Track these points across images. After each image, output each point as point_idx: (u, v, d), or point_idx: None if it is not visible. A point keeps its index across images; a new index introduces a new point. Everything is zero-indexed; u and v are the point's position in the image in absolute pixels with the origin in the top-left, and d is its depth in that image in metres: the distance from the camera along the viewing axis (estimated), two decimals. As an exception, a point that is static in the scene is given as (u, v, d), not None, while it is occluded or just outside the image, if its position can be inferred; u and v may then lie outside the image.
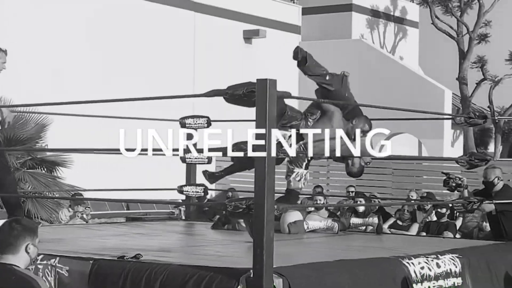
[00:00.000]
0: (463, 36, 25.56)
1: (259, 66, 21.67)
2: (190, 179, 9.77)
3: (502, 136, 25.85)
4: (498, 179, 9.13)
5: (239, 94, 5.71)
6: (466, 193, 9.13)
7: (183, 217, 12.01)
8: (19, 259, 4.36)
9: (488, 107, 25.54)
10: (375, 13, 25.85)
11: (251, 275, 5.30)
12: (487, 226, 13.09)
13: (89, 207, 12.58)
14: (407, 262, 6.72)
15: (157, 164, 15.26)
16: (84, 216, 12.09)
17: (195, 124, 9.09)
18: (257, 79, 5.55)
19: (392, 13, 26.52)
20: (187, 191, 7.67)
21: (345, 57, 22.96)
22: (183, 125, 9.17)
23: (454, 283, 7.14)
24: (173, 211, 14.84)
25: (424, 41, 29.03)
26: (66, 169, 14.09)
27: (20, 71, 16.24)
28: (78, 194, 12.29)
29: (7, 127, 11.98)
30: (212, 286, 5.39)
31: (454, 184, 8.69)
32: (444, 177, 8.75)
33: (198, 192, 9.00)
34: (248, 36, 22.32)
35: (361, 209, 12.22)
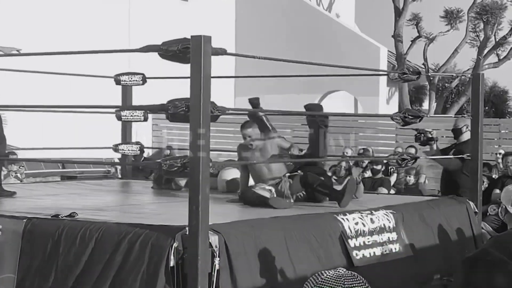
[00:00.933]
0: (398, -7, 25.59)
1: (195, 24, 21.46)
2: (126, 137, 9.66)
3: (436, 93, 26.10)
4: (467, 127, 9.38)
5: (173, 50, 5.63)
6: (435, 147, 9.33)
7: (119, 176, 11.91)
8: None
9: (423, 64, 25.72)
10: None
11: (187, 232, 5.27)
12: (411, 180, 13.35)
13: (23, 166, 12.36)
14: (342, 218, 6.82)
15: (92, 123, 15.11)
16: (18, 175, 11.90)
17: (130, 81, 8.97)
18: (191, 36, 5.50)
19: (327, -31, 26.45)
20: (123, 149, 7.54)
21: (281, 15, 22.87)
22: (117, 82, 9.09)
23: (388, 237, 7.22)
24: (109, 169, 14.68)
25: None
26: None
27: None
28: (12, 153, 12.08)
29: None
30: (148, 243, 5.37)
31: (425, 138, 8.88)
32: (415, 133, 8.91)
33: (134, 150, 8.92)
34: (184, -7, 22.08)
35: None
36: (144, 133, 17.79)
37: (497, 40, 25.25)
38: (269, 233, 5.94)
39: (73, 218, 5.94)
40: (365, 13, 30.73)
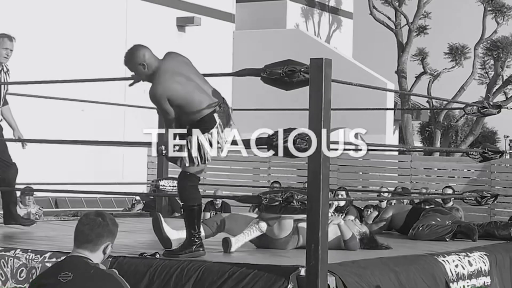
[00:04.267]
0: (401, 27, 25.04)
1: (192, 55, 20.81)
2: (163, 172, 9.03)
3: (441, 132, 25.46)
4: None
5: (277, 73, 5.39)
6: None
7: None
8: (95, 257, 4.11)
9: (427, 101, 25.10)
10: (310, 2, 25.22)
11: (301, 273, 4.99)
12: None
13: (41, 208, 11.53)
14: (443, 260, 6.52)
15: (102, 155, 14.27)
16: (37, 217, 11.00)
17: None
18: (310, 59, 5.18)
19: (327, 3, 25.93)
20: (164, 185, 7.85)
21: (281, 47, 22.24)
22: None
23: (484, 282, 6.95)
24: (129, 207, 13.72)
25: (360, 32, 28.55)
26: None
27: None
28: (30, 188, 11.16)
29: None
30: (256, 285, 5.05)
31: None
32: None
33: (175, 186, 8.12)
34: (182, 24, 21.52)
35: (342, 203, 11.33)
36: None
37: (506, 77, 24.64)
38: (380, 274, 5.69)
39: (156, 258, 5.55)
40: (365, 47, 30.24)
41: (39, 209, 11.67)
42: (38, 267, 5.65)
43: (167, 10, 21.34)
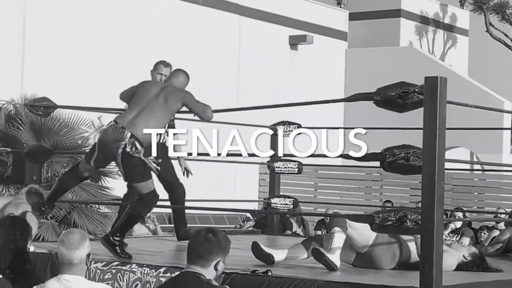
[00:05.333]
0: (519, 45, 24.47)
1: (304, 73, 20.88)
2: (275, 190, 8.93)
3: None
4: None
5: (391, 96, 5.33)
6: None
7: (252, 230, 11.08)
8: (207, 273, 4.19)
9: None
10: (424, 20, 24.90)
11: None
12: None
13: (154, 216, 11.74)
14: None
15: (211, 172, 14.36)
16: (151, 226, 11.16)
17: (286, 131, 8.35)
18: (425, 77, 5.16)
19: (441, 20, 25.55)
20: (275, 203, 7.63)
21: (394, 65, 22.00)
22: (274, 132, 8.54)
23: None
24: (241, 224, 13.78)
25: (476, 49, 27.97)
26: (112, 179, 13.06)
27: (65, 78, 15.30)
28: None
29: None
30: None
31: None
32: None
33: (287, 204, 8.05)
34: (294, 42, 21.55)
35: (458, 225, 11.05)
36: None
37: None
38: None
39: (269, 275, 5.50)
40: (481, 64, 29.62)
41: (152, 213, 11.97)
42: (153, 282, 5.72)
43: (280, 29, 21.43)
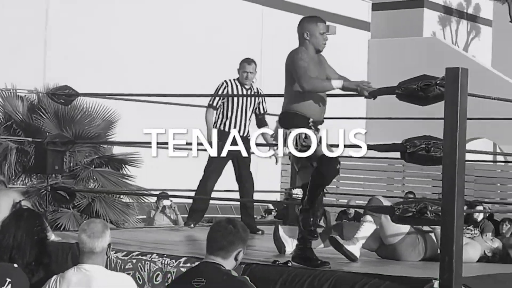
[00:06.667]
0: (543, 35, 24.28)
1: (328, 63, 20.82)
2: (295, 181, 8.96)
3: None
4: None
5: (412, 89, 5.34)
6: None
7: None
8: (227, 263, 4.21)
9: None
10: (447, 10, 24.78)
11: (434, 285, 4.86)
12: None
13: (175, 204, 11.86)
14: None
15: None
16: (172, 216, 11.21)
17: None
18: (446, 68, 5.07)
19: (465, 10, 25.42)
20: (297, 194, 7.96)
21: (417, 56, 21.90)
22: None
23: None
24: (264, 215, 13.81)
25: (500, 39, 27.80)
26: (134, 168, 13.09)
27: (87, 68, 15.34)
28: (164, 194, 11.44)
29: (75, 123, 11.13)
30: None
31: None
32: None
33: None
34: (317, 32, 21.42)
35: (480, 217, 11.01)
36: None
37: None
38: None
39: (289, 266, 5.50)
40: (504, 55, 29.44)
41: (172, 203, 12.23)
42: (173, 272, 5.74)
43: (302, 19, 21.37)
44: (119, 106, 11.85)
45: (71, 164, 11.90)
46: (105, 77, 16.76)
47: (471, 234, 9.27)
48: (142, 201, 12.65)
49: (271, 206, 13.97)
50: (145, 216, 12.70)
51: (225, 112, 8.30)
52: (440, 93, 5.18)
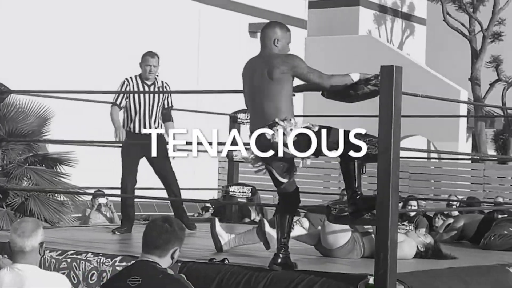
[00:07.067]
0: (476, 34, 24.64)
1: None
2: (233, 178, 9.00)
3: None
4: None
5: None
6: None
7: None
8: (163, 262, 4.18)
9: (502, 109, 24.60)
10: (382, 9, 24.99)
11: (369, 281, 4.96)
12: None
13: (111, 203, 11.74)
14: None
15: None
16: (107, 214, 11.12)
17: (246, 118, 8.37)
18: (381, 66, 5.16)
19: (400, 9, 25.67)
20: (233, 191, 7.70)
21: (353, 54, 22.08)
22: (234, 120, 8.57)
23: None
24: (200, 212, 13.76)
25: (434, 38, 28.15)
26: (69, 168, 12.93)
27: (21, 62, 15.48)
28: (100, 192, 11.33)
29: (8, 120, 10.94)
30: None
31: None
32: None
33: (245, 192, 8.11)
34: (254, 30, 21.48)
35: (412, 213, 11.13)
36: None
37: None
38: (450, 285, 5.57)
39: (225, 264, 5.54)
40: (438, 53, 29.81)
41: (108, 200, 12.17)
42: (109, 271, 5.70)
43: (239, 16, 21.36)
44: (54, 103, 11.70)
45: (4, 162, 11.72)
46: (39, 74, 16.52)
47: (406, 229, 9.40)
48: (77, 199, 12.51)
49: (208, 204, 13.93)
50: (80, 215, 12.55)
51: (129, 112, 8.17)
52: (369, 92, 5.23)
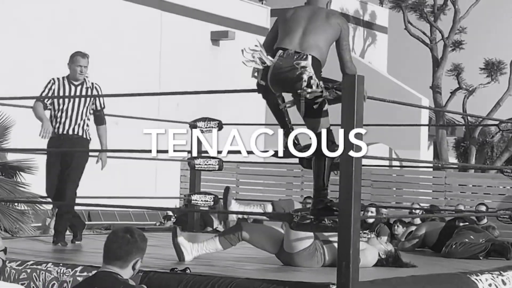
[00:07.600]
0: (437, 42, 24.88)
1: (226, 69, 20.84)
2: (195, 187, 8.98)
3: (476, 148, 25.16)
4: None
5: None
6: None
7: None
8: (125, 272, 4.15)
9: (462, 117, 24.87)
10: (344, 17, 25.06)
11: None
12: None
13: None
14: (476, 279, 6.38)
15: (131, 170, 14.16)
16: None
17: (206, 127, 8.31)
18: (344, 74, 5.27)
19: (361, 17, 25.82)
20: (196, 200, 7.40)
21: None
22: (193, 127, 8.48)
23: None
24: (162, 221, 13.69)
25: (395, 47, 28.38)
26: (30, 176, 12.81)
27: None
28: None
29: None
30: None
31: None
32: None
33: (207, 201, 8.08)
34: (216, 38, 21.47)
35: (371, 220, 11.16)
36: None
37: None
38: None
39: (188, 274, 5.43)
40: (400, 62, 30.07)
41: None
42: (70, 281, 5.63)
43: (201, 24, 21.33)
44: (12, 111, 11.59)
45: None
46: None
47: (367, 237, 9.42)
48: (38, 208, 12.39)
49: (170, 212, 13.87)
50: (40, 224, 12.42)
51: (54, 112, 7.96)
52: (333, 98, 5.23)
